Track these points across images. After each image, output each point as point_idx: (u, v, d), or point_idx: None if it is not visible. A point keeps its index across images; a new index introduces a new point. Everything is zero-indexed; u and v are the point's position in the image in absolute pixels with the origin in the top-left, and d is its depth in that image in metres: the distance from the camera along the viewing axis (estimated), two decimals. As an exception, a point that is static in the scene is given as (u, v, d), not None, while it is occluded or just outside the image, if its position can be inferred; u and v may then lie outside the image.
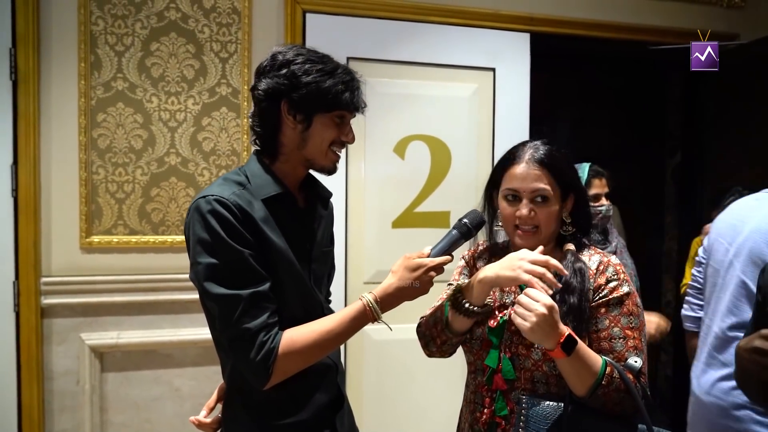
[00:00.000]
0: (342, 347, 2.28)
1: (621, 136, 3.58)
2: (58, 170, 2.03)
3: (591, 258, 1.17)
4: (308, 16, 2.22)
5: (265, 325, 1.04)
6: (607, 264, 1.15)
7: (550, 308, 0.99)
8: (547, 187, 1.14)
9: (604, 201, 2.02)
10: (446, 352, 1.23)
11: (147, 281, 2.09)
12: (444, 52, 2.37)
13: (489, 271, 1.09)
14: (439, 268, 1.10)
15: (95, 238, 2.06)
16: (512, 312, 1.04)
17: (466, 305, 1.12)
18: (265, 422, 1.13)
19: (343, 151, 1.20)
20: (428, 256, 1.10)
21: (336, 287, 2.27)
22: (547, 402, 1.07)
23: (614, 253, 1.90)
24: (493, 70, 2.42)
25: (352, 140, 1.17)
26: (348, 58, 2.23)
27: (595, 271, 1.14)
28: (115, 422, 2.10)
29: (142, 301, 2.09)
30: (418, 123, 2.36)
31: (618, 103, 3.62)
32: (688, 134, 3.17)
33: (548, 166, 1.15)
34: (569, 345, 1.00)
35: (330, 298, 1.34)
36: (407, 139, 2.35)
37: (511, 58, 2.44)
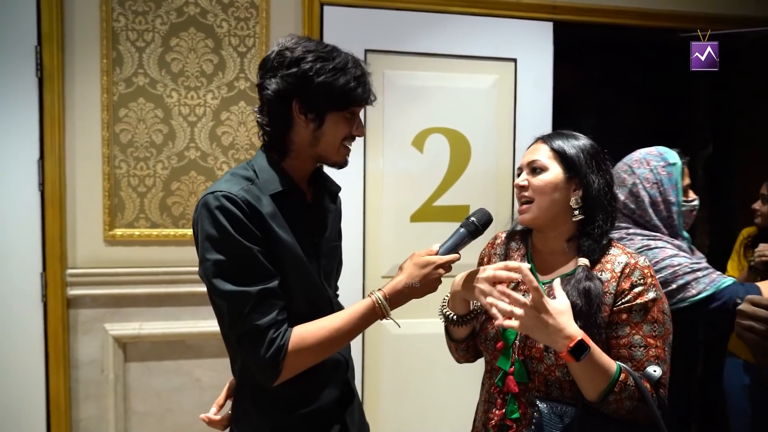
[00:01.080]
0: (359, 341, 2.29)
1: (649, 127, 3.46)
2: (82, 165, 2.07)
3: (617, 258, 1.10)
4: (326, 8, 2.21)
5: (275, 322, 1.04)
6: (633, 267, 1.08)
7: (522, 306, 0.97)
8: (543, 159, 1.14)
9: (692, 194, 1.61)
10: (467, 357, 1.28)
11: (168, 273, 2.13)
12: (463, 43, 2.32)
13: (457, 285, 1.14)
14: (447, 266, 1.10)
15: (118, 231, 2.10)
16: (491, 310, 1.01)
17: (451, 315, 1.16)
18: (276, 417, 1.13)
19: (362, 144, 1.19)
20: (437, 254, 1.10)
21: (353, 281, 2.28)
22: (560, 405, 1.04)
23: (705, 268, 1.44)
24: (515, 60, 2.37)
25: (363, 134, 1.17)
26: (366, 51, 2.22)
27: (619, 274, 1.08)
28: (138, 411, 2.15)
29: (163, 293, 2.13)
30: (437, 116, 2.33)
31: (645, 93, 3.51)
32: (719, 125, 3.06)
33: (551, 143, 1.15)
34: (579, 351, 0.96)
35: (338, 293, 1.33)
36: (426, 132, 2.32)
37: (532, 48, 2.38)
